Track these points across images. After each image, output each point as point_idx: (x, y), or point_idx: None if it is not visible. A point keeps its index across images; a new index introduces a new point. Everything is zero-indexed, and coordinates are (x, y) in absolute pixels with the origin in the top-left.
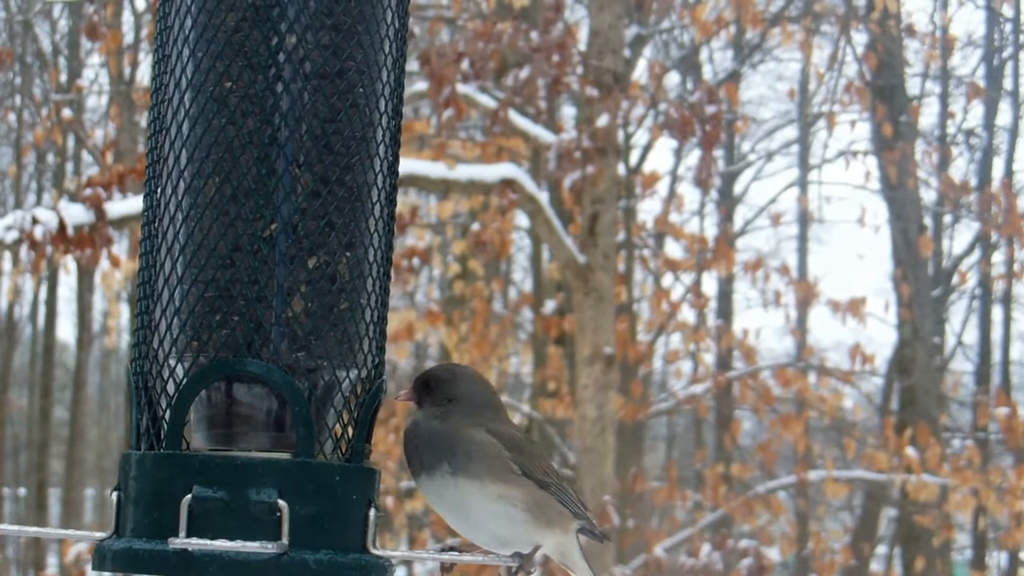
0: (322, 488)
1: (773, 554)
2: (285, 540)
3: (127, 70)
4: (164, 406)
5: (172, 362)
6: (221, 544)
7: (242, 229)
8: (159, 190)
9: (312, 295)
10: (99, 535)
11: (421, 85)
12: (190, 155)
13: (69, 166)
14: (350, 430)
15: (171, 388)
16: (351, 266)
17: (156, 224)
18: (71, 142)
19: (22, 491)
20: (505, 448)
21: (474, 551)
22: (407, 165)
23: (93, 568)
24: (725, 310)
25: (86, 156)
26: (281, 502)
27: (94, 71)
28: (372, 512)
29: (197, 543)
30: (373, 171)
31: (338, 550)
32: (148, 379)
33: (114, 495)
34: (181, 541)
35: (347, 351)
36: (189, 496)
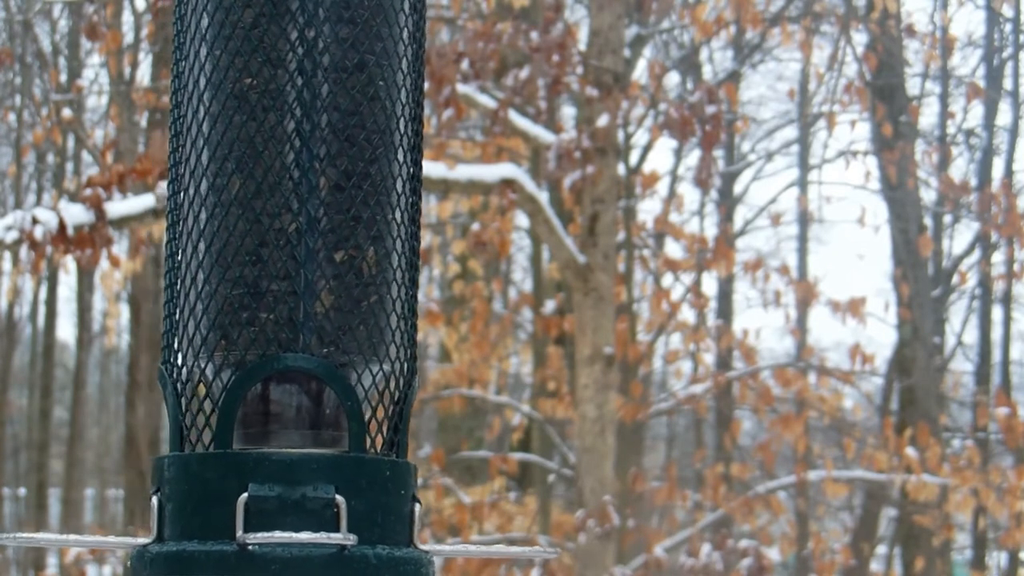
0: (374, 483)
1: (773, 554)
2: (347, 534)
3: (127, 70)
4: (209, 406)
5: (202, 362)
6: (282, 537)
7: (268, 225)
8: (182, 191)
9: (340, 289)
10: (141, 540)
11: None
12: (212, 153)
13: (69, 166)
14: (385, 425)
15: (217, 387)
16: (379, 259)
17: (180, 225)
18: (71, 142)
19: (22, 491)
20: None
21: (508, 546)
22: None
23: (132, 575)
24: (725, 310)
25: (86, 156)
26: (339, 498)
27: (94, 71)
28: (417, 507)
29: (262, 537)
30: (397, 163)
31: (391, 545)
32: (184, 378)
33: (154, 498)
34: (248, 537)
35: (378, 344)
36: (245, 495)
